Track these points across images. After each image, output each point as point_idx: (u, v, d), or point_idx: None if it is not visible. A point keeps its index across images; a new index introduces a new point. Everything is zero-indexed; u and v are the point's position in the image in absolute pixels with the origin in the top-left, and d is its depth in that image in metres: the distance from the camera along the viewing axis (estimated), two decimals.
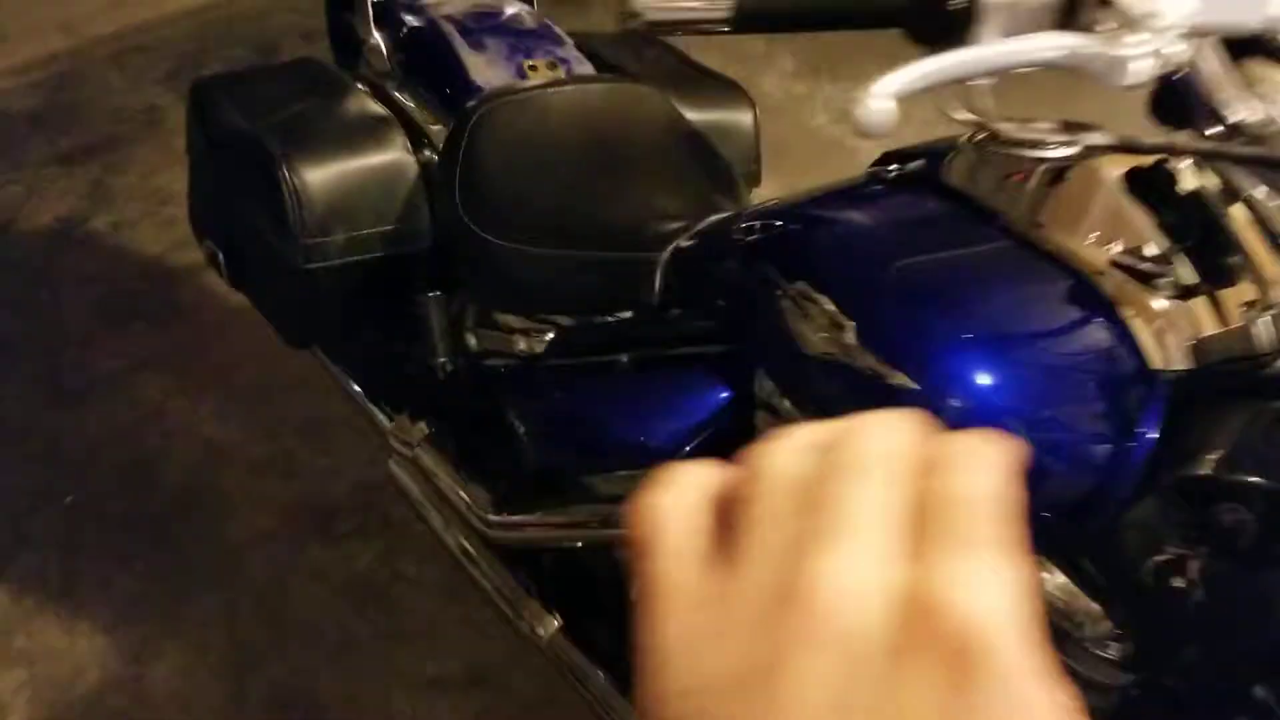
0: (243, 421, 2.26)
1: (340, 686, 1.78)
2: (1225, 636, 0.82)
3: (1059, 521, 0.85)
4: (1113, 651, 0.91)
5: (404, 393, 1.65)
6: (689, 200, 1.36)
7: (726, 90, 1.65)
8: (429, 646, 1.83)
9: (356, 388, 1.69)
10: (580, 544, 1.43)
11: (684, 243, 1.25)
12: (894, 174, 1.08)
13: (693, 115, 1.51)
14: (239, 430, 2.24)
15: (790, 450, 0.35)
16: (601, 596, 1.47)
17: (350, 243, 1.45)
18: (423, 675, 1.80)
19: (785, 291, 0.96)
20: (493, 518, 1.43)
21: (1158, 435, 0.82)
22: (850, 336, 0.88)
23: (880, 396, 0.87)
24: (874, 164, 1.06)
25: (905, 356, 0.86)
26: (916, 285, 0.89)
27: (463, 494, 1.49)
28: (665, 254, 1.26)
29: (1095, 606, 0.90)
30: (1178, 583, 0.81)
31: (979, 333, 0.86)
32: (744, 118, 1.62)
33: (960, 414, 0.84)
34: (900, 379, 0.86)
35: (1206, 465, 0.81)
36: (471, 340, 1.51)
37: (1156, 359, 0.82)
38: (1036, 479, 0.84)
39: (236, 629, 1.88)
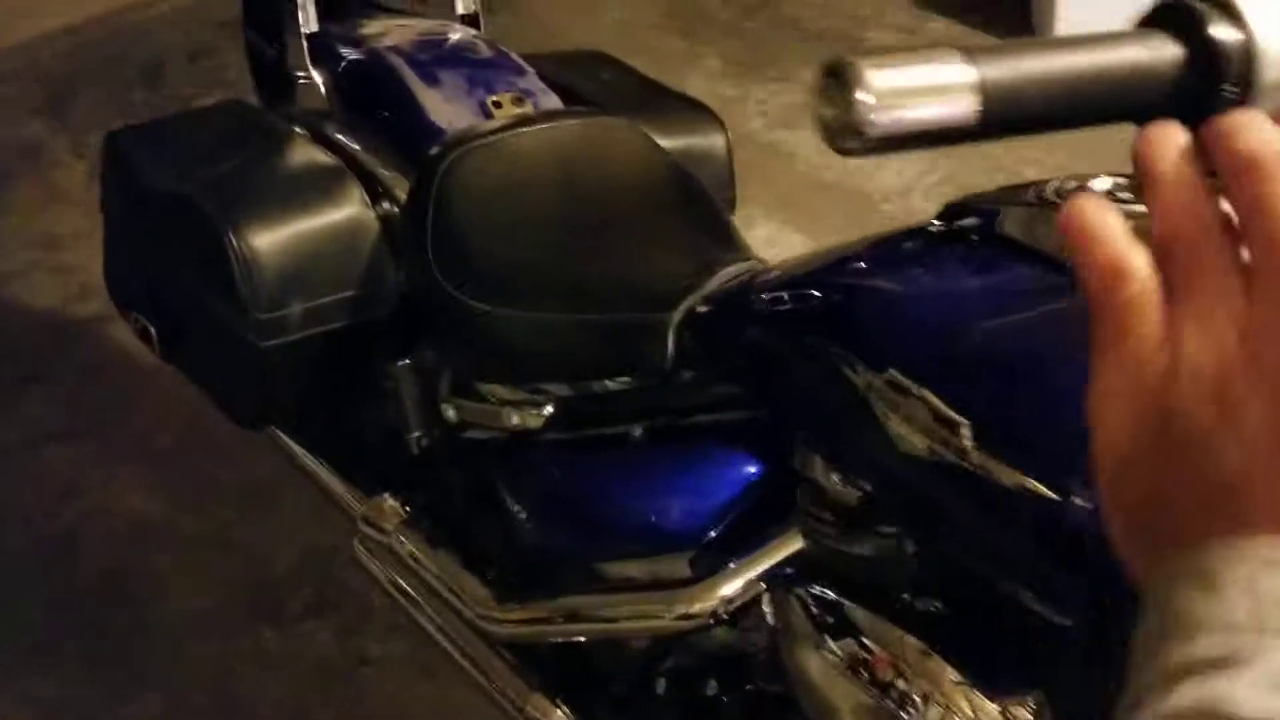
0: (168, 493, 2.06)
1: None
2: None
3: None
4: None
5: (372, 471, 1.49)
6: (690, 252, 1.24)
7: (695, 113, 1.54)
8: None
9: (318, 466, 1.53)
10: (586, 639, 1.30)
11: (700, 307, 1.13)
12: (940, 229, 0.98)
13: (664, 142, 1.39)
14: (165, 503, 2.04)
15: None
16: (610, 688, 1.34)
17: (309, 314, 1.30)
18: None
19: (865, 379, 0.85)
20: (493, 613, 1.29)
21: None
22: (965, 438, 0.78)
23: (1001, 500, 0.77)
24: (938, 216, 0.96)
25: (1039, 459, 0.76)
26: (1044, 375, 0.79)
27: (452, 585, 1.34)
28: (677, 315, 1.14)
29: None
30: None
31: None
32: (716, 142, 1.51)
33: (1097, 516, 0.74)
34: (1029, 483, 0.75)
35: None
36: (450, 412, 1.36)
37: None
38: None
39: None
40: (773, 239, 2.44)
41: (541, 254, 1.25)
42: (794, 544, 1.11)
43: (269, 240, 1.27)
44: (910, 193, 2.56)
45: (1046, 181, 0.82)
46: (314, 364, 1.33)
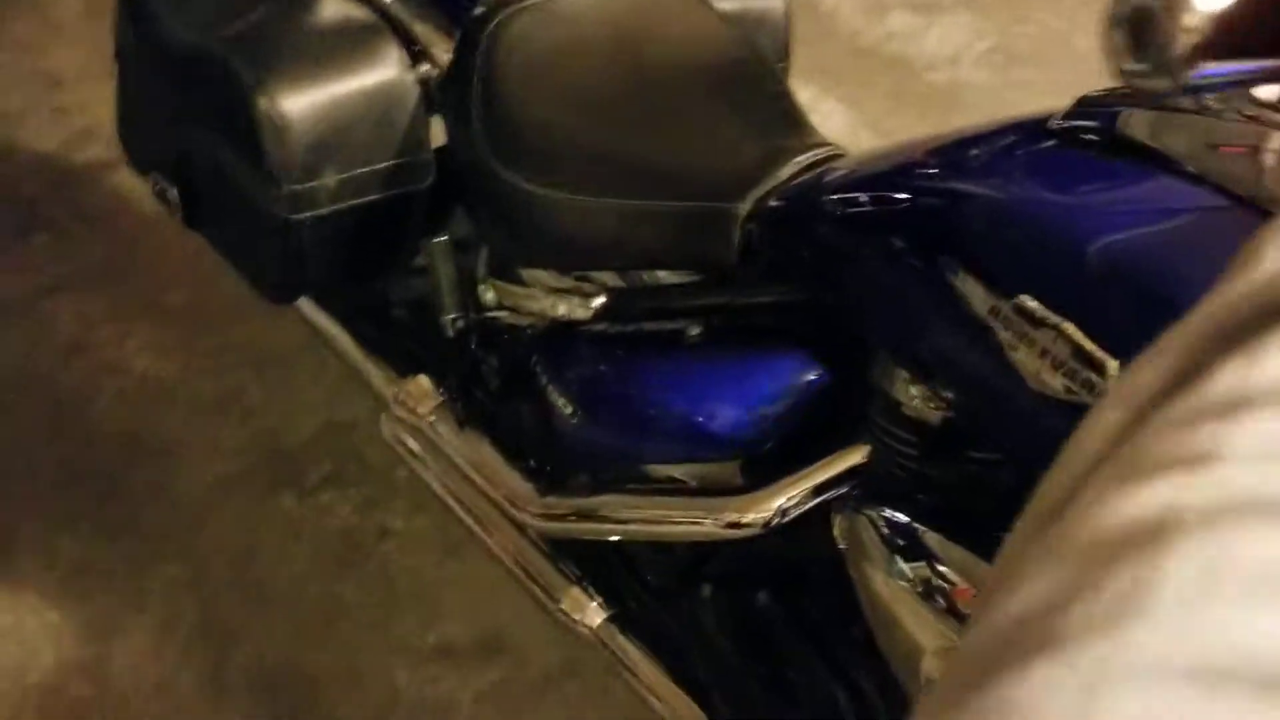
0: (182, 354, 2.00)
1: (333, 661, 1.61)
2: None
3: None
4: None
5: (403, 351, 1.43)
6: (758, 135, 1.15)
7: None
8: (430, 611, 1.66)
9: (348, 341, 1.46)
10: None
11: (772, 199, 1.05)
12: (1059, 125, 0.89)
13: (719, 3, 1.29)
14: (179, 364, 1.98)
15: None
16: (649, 587, 1.30)
17: (342, 186, 1.21)
18: (425, 644, 1.63)
19: (986, 303, 0.78)
20: (530, 506, 1.24)
21: None
22: (1111, 378, 0.71)
23: None
24: (1068, 114, 0.86)
25: None
26: (1194, 301, 0.71)
27: (487, 474, 1.30)
28: (745, 206, 1.06)
29: None
30: None
31: None
32: (774, 4, 1.40)
33: None
34: None
35: None
36: (489, 295, 1.29)
37: None
38: None
39: (206, 599, 1.67)
40: (810, 108, 2.32)
41: (599, 131, 1.16)
42: (856, 458, 1.06)
43: (301, 104, 1.17)
44: (959, 61, 2.43)
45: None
46: (345, 238, 1.25)
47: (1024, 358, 0.75)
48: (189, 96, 1.27)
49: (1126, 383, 0.27)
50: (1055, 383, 0.73)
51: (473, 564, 1.69)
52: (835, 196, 0.98)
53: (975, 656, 0.23)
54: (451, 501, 1.38)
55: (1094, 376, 0.71)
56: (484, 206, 1.22)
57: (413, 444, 1.40)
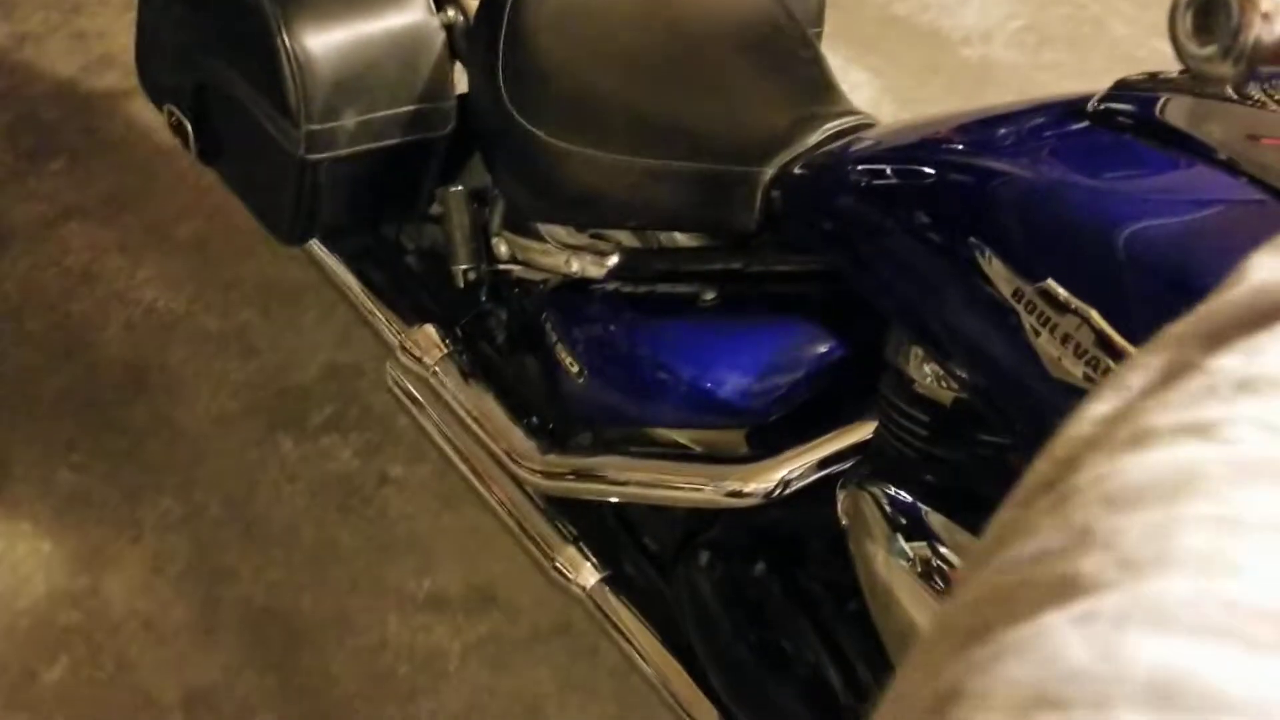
0: (189, 287, 1.99)
1: (324, 605, 1.61)
2: None
3: None
4: None
5: (412, 299, 1.41)
6: (787, 100, 1.13)
7: None
8: (424, 560, 1.66)
9: (357, 286, 1.45)
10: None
11: (796, 166, 1.03)
12: (1096, 108, 0.87)
13: None
14: (185, 297, 1.97)
15: None
16: (646, 551, 1.30)
17: (361, 128, 1.20)
18: (419, 593, 1.63)
19: (1011, 285, 0.76)
20: (532, 463, 1.24)
21: None
22: None
23: None
24: (1105, 96, 0.84)
25: None
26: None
27: (490, 428, 1.29)
28: (769, 171, 1.04)
29: None
30: None
31: None
32: None
33: None
34: None
35: None
36: (502, 248, 1.27)
37: None
38: None
39: (202, 535, 1.67)
40: (839, 76, 2.29)
41: (625, 87, 1.14)
42: (863, 434, 1.05)
43: (324, 43, 1.15)
44: (991, 38, 2.40)
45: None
46: (361, 182, 1.24)
47: (1045, 343, 0.73)
48: (210, 29, 1.25)
49: (1115, 378, 0.27)
50: (1076, 370, 0.71)
51: (469, 516, 1.69)
52: (861, 167, 0.96)
53: (970, 611, 0.22)
54: (451, 452, 1.37)
55: (1113, 362, 0.70)
56: (503, 157, 1.20)
57: (416, 393, 1.39)
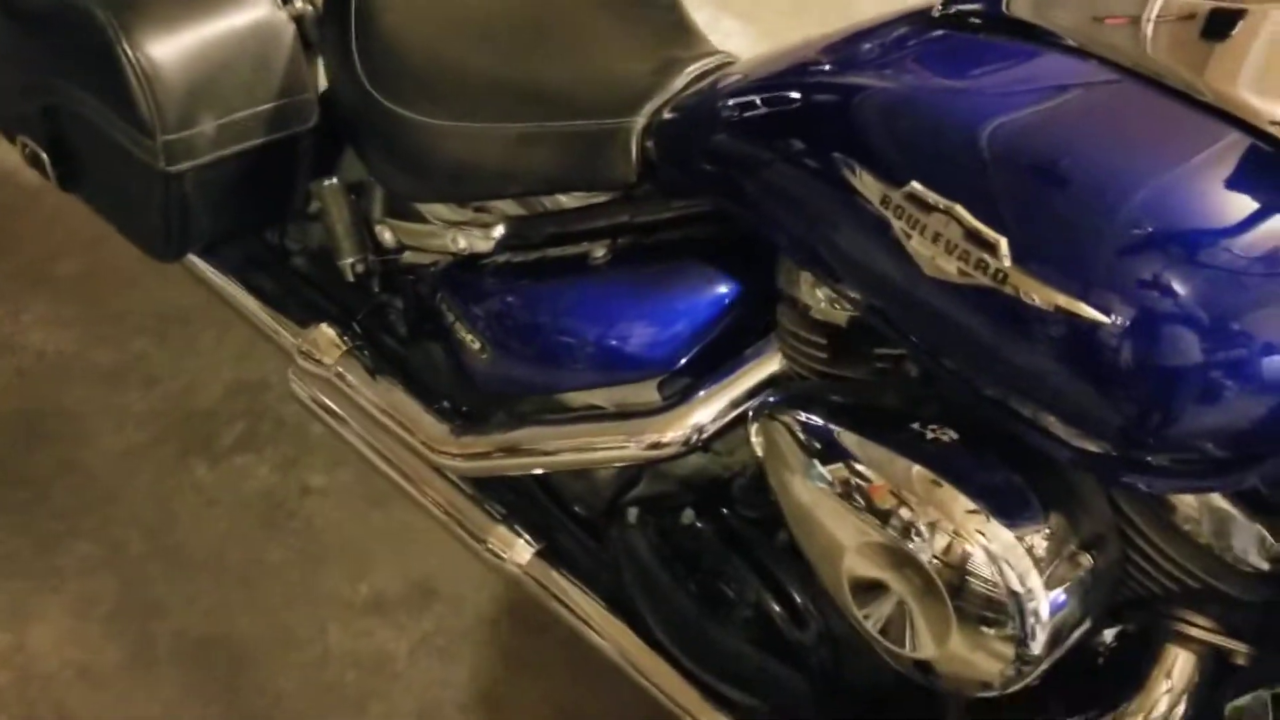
0: (77, 325, 1.92)
1: (262, 623, 1.58)
2: None
3: (1245, 457, 0.71)
4: (1267, 567, 0.80)
5: (304, 301, 1.38)
6: (648, 50, 1.12)
7: None
8: (357, 565, 1.63)
9: (245, 296, 1.41)
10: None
11: (666, 112, 1.02)
12: (940, 14, 0.87)
13: None
14: (75, 336, 1.91)
15: None
16: (577, 517, 1.29)
17: (222, 132, 1.16)
18: (356, 599, 1.60)
19: (879, 193, 0.77)
20: (448, 448, 1.22)
21: None
22: (1004, 257, 0.70)
23: (1036, 322, 0.70)
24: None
25: (1080, 275, 0.69)
26: (1081, 179, 0.71)
27: (401, 419, 1.27)
28: (640, 121, 1.03)
29: (1254, 525, 0.79)
30: None
31: (1168, 226, 0.69)
32: None
33: (1134, 333, 0.68)
34: (1068, 302, 0.69)
35: None
36: (386, 235, 1.25)
37: None
38: (1225, 406, 0.69)
39: (125, 573, 1.63)
40: (709, 28, 2.29)
41: (484, 56, 1.12)
42: (770, 368, 1.05)
43: (169, 49, 1.12)
44: None
45: None
46: (231, 187, 1.20)
47: (918, 245, 0.74)
48: (49, 50, 1.21)
49: None
50: (950, 266, 0.72)
51: (399, 515, 1.67)
52: (730, 102, 0.96)
53: None
54: (368, 452, 1.35)
55: (986, 256, 0.71)
56: (373, 143, 1.18)
57: (322, 395, 1.37)
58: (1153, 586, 0.83)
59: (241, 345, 1.88)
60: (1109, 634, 0.92)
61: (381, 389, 1.30)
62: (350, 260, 1.27)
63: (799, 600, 1.06)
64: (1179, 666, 0.82)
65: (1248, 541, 0.79)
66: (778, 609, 1.07)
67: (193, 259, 1.44)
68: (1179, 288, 0.68)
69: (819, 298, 0.95)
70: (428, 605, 1.59)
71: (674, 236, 1.09)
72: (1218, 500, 0.79)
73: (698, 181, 1.02)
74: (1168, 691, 0.83)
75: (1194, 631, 0.82)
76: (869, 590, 0.86)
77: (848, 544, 0.86)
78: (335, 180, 1.25)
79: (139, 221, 1.26)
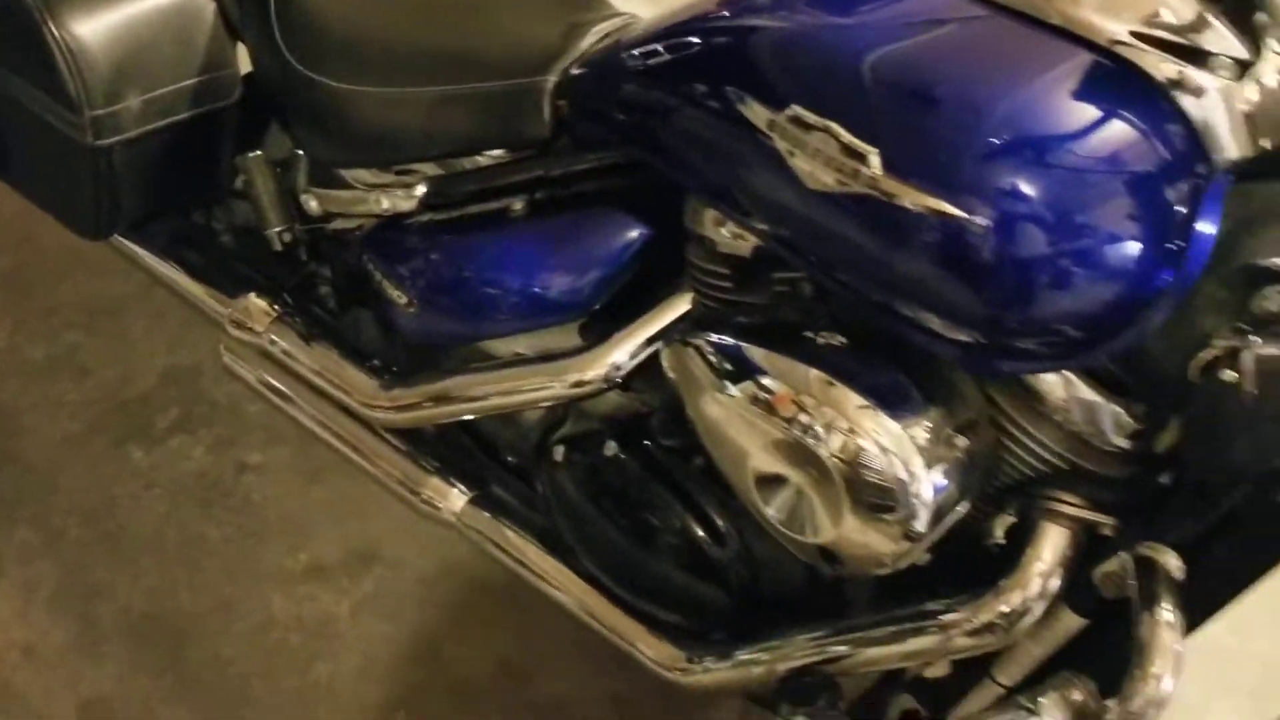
0: (8, 320, 1.95)
1: (205, 598, 1.62)
2: (1274, 420, 0.81)
3: (1096, 337, 0.80)
4: (1126, 445, 0.89)
5: (234, 274, 1.43)
6: (556, 13, 1.18)
7: None
8: (297, 536, 1.68)
9: (174, 272, 1.45)
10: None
11: (575, 69, 1.09)
12: None
13: None
14: (6, 331, 1.93)
15: None
16: (507, 463, 1.35)
17: (147, 107, 1.21)
18: (297, 567, 1.65)
19: (764, 119, 0.84)
20: (379, 401, 1.27)
21: (1216, 229, 0.77)
22: (874, 166, 0.78)
23: (909, 225, 0.79)
24: None
25: (945, 179, 0.77)
26: (944, 93, 0.79)
27: (332, 379, 1.32)
28: (551, 80, 1.10)
29: (1113, 406, 0.88)
30: (1228, 376, 0.78)
31: (1020, 135, 0.77)
32: None
33: (994, 230, 0.77)
34: (936, 204, 0.77)
35: (1252, 250, 0.78)
36: (312, 203, 1.30)
37: (1213, 144, 0.76)
38: (1075, 292, 0.78)
39: (67, 558, 1.66)
40: None
41: (398, 23, 1.18)
42: (684, 305, 1.12)
43: (95, 27, 1.16)
44: None
45: None
46: (157, 161, 1.25)
47: (801, 162, 0.82)
48: None
49: None
50: (828, 179, 0.81)
51: (337, 485, 1.72)
52: (634, 53, 1.03)
53: None
54: (302, 417, 1.40)
55: (859, 166, 0.79)
56: (295, 113, 1.23)
57: (255, 367, 1.41)
58: (1026, 470, 0.91)
59: (174, 334, 1.92)
60: (999, 529, 1.00)
61: (313, 352, 1.34)
62: (277, 230, 1.32)
63: (718, 521, 1.13)
64: (1052, 541, 0.91)
65: (1108, 423, 0.88)
66: (698, 530, 1.14)
67: (122, 240, 1.47)
68: (1031, 188, 0.77)
69: (723, 233, 1.03)
70: (368, 569, 1.64)
71: (588, 188, 1.15)
72: (1080, 387, 0.88)
73: (608, 133, 1.09)
74: (1043, 564, 0.91)
75: (1065, 509, 0.90)
76: (772, 486, 0.94)
77: (753, 446, 0.94)
78: (259, 153, 1.30)
79: (68, 200, 1.30)
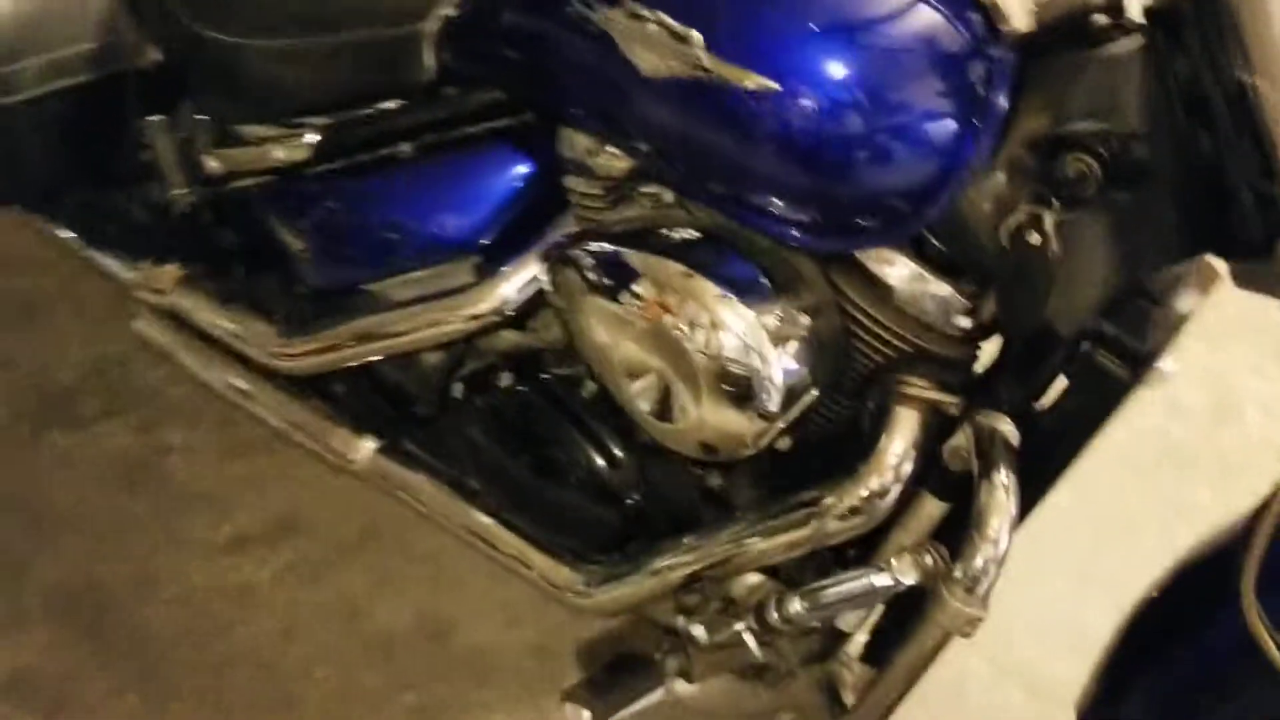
0: None
1: (128, 570, 1.64)
2: (1081, 281, 0.87)
3: (914, 207, 0.86)
4: (963, 325, 0.95)
5: (141, 242, 1.46)
6: None
7: None
8: (220, 509, 1.70)
9: (80, 242, 1.49)
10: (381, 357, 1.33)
11: (452, 13, 1.14)
12: None
13: None
14: None
15: None
16: (413, 409, 1.39)
17: (46, 69, 1.25)
18: (218, 540, 1.67)
19: (603, 16, 0.90)
20: (284, 349, 1.31)
21: (1008, 102, 0.83)
22: (697, 47, 0.84)
23: (741, 102, 0.84)
24: None
25: (764, 54, 0.83)
26: None
27: (238, 333, 1.35)
28: (431, 25, 1.15)
29: (945, 287, 0.93)
30: (1034, 239, 0.84)
31: (833, 15, 0.84)
32: None
33: (814, 108, 0.83)
34: (756, 80, 0.83)
35: (1048, 121, 0.84)
36: (213, 163, 1.34)
37: (1004, 20, 0.82)
38: (893, 165, 0.84)
39: None
40: None
41: None
42: (569, 229, 1.17)
43: None
44: None
45: None
46: (59, 125, 1.29)
47: (638, 52, 0.88)
48: None
49: None
50: (661, 64, 0.86)
51: (257, 461, 1.75)
52: None
53: None
54: (213, 379, 1.43)
55: (685, 48, 0.85)
56: (189, 73, 1.27)
57: (165, 331, 1.44)
58: (876, 358, 0.97)
59: (94, 326, 1.95)
60: (865, 422, 1.05)
61: (219, 311, 1.38)
62: (179, 192, 1.35)
63: (609, 444, 1.18)
64: (904, 424, 0.96)
65: (944, 304, 0.94)
66: (591, 454, 1.18)
67: (32, 215, 1.50)
68: (844, 65, 0.83)
69: (595, 158, 1.08)
70: (288, 538, 1.67)
71: (475, 129, 1.21)
72: (916, 270, 0.93)
73: (487, 71, 1.14)
74: (896, 446, 0.96)
75: (913, 391, 0.96)
76: (643, 379, 0.99)
77: (625, 342, 0.98)
78: (161, 117, 1.34)
79: None
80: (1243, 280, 0.90)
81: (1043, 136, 0.85)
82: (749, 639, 1.00)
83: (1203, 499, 1.73)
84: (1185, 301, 0.98)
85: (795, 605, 0.95)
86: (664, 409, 0.98)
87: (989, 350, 0.98)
